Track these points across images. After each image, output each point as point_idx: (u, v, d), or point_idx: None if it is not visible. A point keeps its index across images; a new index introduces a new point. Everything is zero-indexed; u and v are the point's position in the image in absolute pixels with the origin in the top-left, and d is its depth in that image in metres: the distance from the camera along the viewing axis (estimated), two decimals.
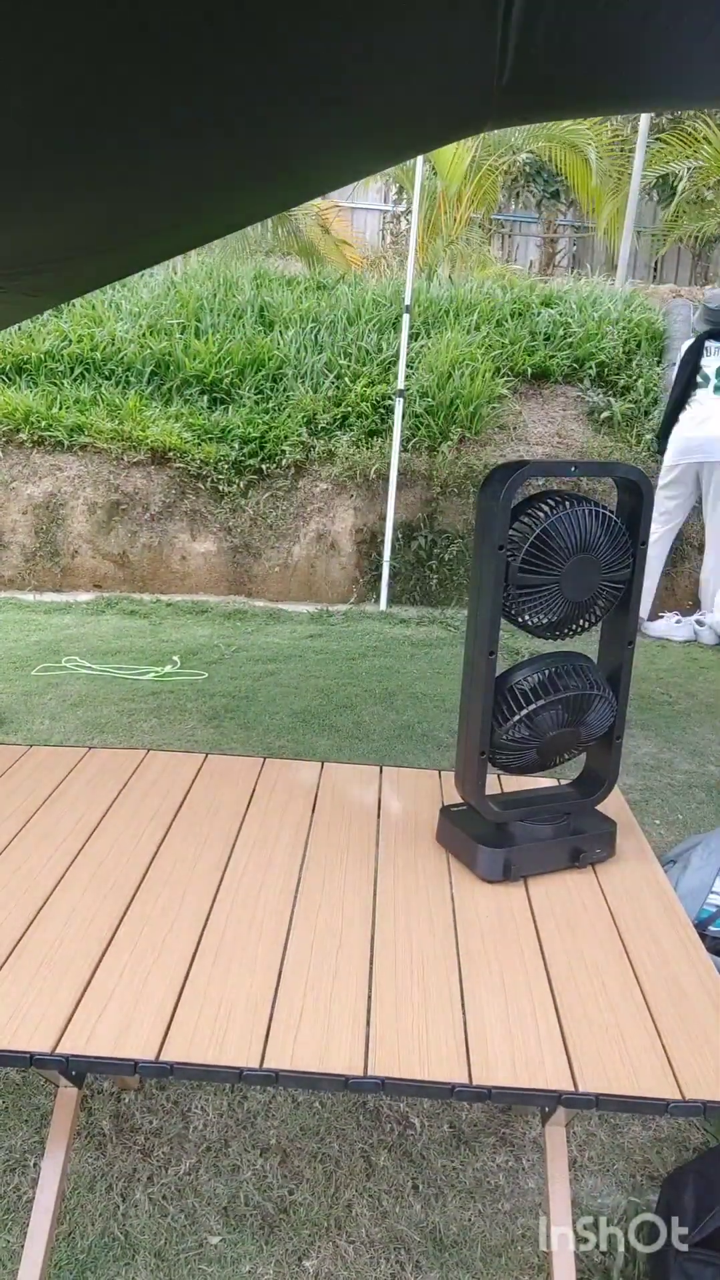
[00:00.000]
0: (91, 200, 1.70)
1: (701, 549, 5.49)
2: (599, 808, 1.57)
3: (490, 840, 1.45)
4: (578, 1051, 1.08)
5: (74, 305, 6.04)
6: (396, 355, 5.52)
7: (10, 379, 5.75)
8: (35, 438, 5.53)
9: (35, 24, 0.96)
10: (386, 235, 10.43)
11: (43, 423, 5.51)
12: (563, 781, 1.68)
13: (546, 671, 1.42)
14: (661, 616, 5.23)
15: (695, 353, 4.98)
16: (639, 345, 6.24)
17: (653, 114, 8.20)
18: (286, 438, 5.55)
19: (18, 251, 1.96)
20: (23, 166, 1.40)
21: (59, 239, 1.96)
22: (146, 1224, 1.52)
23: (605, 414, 5.90)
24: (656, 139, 8.59)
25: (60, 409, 5.60)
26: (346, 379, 5.80)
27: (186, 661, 4.35)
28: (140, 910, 1.32)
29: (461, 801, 1.50)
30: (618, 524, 1.38)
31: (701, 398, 4.93)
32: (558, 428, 5.96)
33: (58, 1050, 1.04)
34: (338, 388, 5.79)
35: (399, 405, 5.24)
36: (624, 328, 6.25)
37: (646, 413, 5.93)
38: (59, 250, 2.06)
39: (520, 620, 1.41)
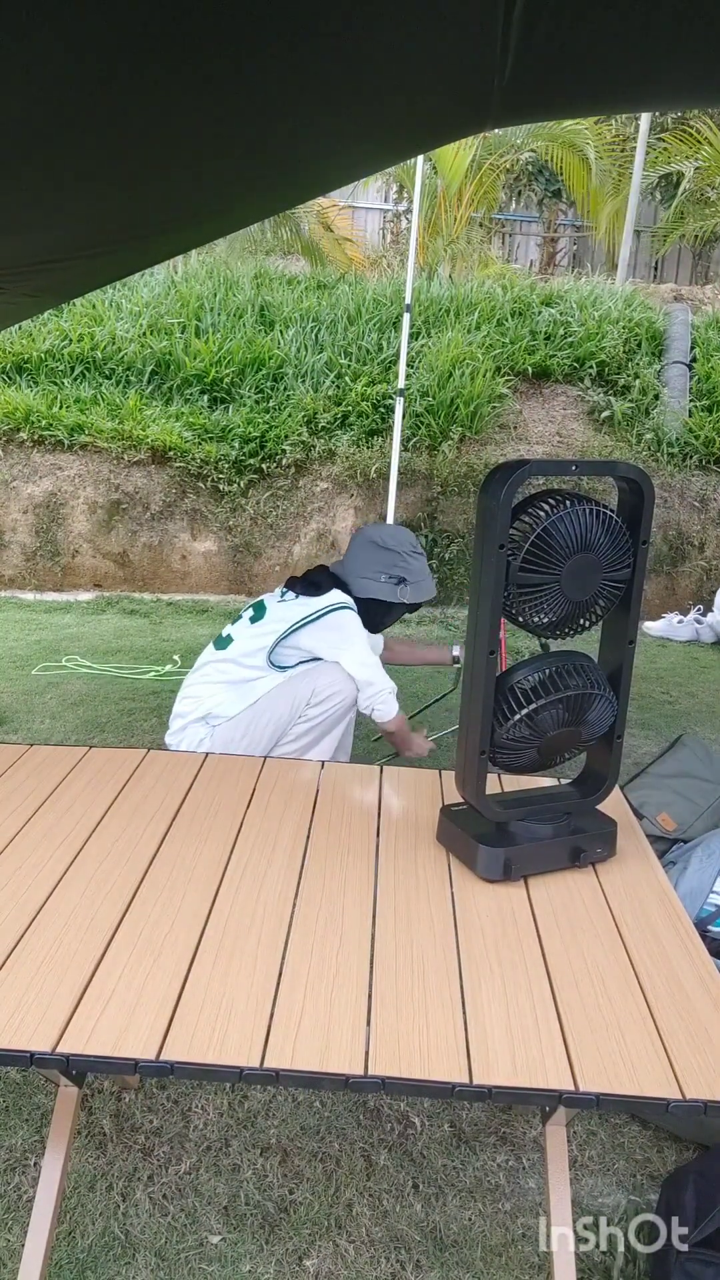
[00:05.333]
0: (94, 203, 1.70)
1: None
2: (599, 807, 1.57)
3: (490, 840, 1.45)
4: (578, 1051, 1.08)
5: (74, 304, 6.04)
6: (397, 354, 5.51)
7: (11, 378, 5.75)
8: (35, 437, 5.53)
9: (42, 24, 0.96)
10: (387, 234, 10.43)
11: (43, 422, 5.51)
12: (563, 781, 1.68)
13: (547, 671, 1.42)
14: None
15: None
16: (639, 345, 6.24)
17: (654, 113, 8.20)
18: (287, 437, 5.55)
19: (19, 253, 1.96)
20: (26, 170, 1.40)
21: (61, 241, 1.96)
22: (147, 1223, 1.52)
23: (605, 413, 5.89)
24: (658, 138, 8.59)
25: (60, 408, 5.60)
26: (347, 378, 5.80)
27: (187, 661, 4.35)
28: (140, 909, 1.32)
29: (462, 801, 1.50)
30: (618, 523, 1.38)
31: None
32: (558, 427, 5.96)
33: (58, 1050, 1.04)
34: (338, 387, 5.79)
35: (399, 404, 5.23)
36: (624, 327, 6.25)
37: (646, 412, 5.93)
38: (61, 252, 2.06)
39: (521, 619, 1.41)
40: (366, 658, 2.47)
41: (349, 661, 2.46)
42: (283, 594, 2.52)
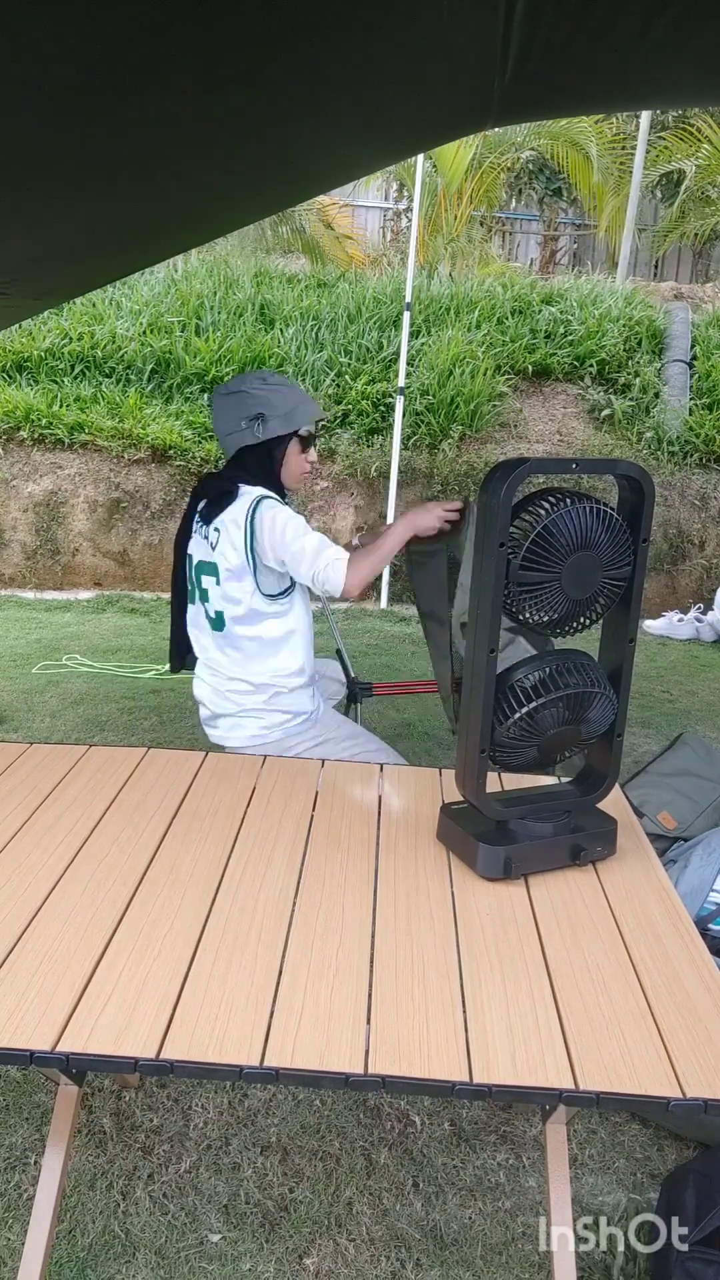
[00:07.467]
0: (99, 203, 1.69)
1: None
2: (600, 806, 1.57)
3: (491, 838, 1.45)
4: (578, 1049, 1.08)
5: (74, 303, 6.03)
6: (397, 353, 5.51)
7: (11, 377, 5.75)
8: (36, 435, 5.53)
9: (45, 25, 0.96)
10: (387, 233, 10.41)
11: (43, 420, 5.50)
12: (563, 779, 1.67)
13: (547, 669, 1.42)
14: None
15: None
16: (639, 343, 6.24)
17: (655, 112, 8.19)
18: None
19: (24, 256, 1.96)
20: (30, 174, 1.40)
21: (65, 244, 1.96)
22: (147, 1222, 1.52)
23: (606, 411, 5.89)
24: (659, 136, 8.57)
25: (61, 407, 5.59)
26: (347, 377, 5.79)
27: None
28: (140, 908, 1.32)
29: (462, 799, 1.49)
30: (618, 521, 1.38)
31: None
32: (558, 425, 5.95)
33: (58, 1048, 1.04)
34: (338, 385, 5.79)
35: (399, 403, 5.24)
36: (624, 325, 6.24)
37: (647, 410, 5.92)
38: (64, 255, 2.06)
39: (521, 618, 1.40)
40: (308, 544, 2.13)
41: (303, 565, 2.15)
42: (205, 532, 2.27)
